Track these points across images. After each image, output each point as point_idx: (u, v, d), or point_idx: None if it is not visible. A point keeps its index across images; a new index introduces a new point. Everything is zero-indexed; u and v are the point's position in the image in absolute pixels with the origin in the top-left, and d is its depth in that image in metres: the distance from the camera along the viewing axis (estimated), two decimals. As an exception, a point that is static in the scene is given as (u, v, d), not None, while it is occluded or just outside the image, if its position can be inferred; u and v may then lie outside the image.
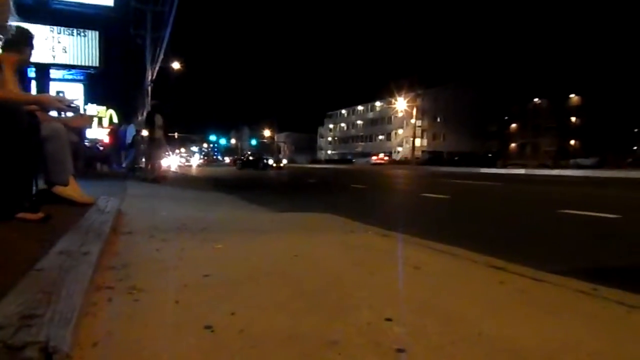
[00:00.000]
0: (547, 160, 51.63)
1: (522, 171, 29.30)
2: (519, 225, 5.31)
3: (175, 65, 25.70)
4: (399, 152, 77.48)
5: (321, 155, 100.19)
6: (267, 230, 3.56)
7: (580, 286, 1.94)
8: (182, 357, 1.16)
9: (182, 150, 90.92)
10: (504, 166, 45.14)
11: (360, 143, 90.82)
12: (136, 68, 24.23)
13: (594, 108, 54.27)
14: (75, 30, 11.88)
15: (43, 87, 11.93)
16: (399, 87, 56.79)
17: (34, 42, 3.33)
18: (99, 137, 22.02)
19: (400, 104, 57.69)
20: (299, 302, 1.66)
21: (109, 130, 20.40)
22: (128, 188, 7.90)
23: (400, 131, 78.99)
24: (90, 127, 14.54)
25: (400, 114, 65.47)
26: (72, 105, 3.20)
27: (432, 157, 61.52)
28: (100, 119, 25.88)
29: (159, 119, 10.87)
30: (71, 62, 12.02)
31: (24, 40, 3.21)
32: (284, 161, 42.19)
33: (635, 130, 50.18)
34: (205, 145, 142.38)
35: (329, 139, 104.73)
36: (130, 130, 17.29)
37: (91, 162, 14.38)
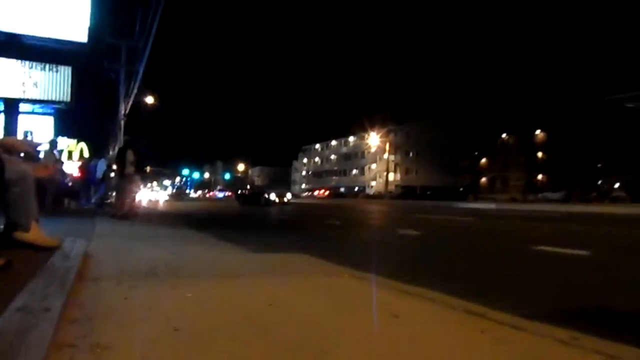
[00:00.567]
0: (516, 194, 52.89)
1: (492, 205, 29.80)
2: (493, 264, 5.33)
3: (149, 99, 25.58)
4: (372, 186, 78.20)
5: (295, 189, 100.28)
6: (241, 274, 3.47)
7: (560, 334, 1.92)
8: None
9: (155, 184, 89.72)
10: (475, 200, 45.97)
11: (334, 177, 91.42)
12: (109, 102, 24.04)
13: (559, 143, 56.11)
14: (47, 65, 11.77)
15: (11, 121, 11.68)
16: (372, 122, 57.92)
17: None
18: (68, 172, 21.54)
19: (373, 139, 58.63)
20: (276, 359, 1.58)
21: (79, 164, 20.00)
22: (97, 226, 7.67)
23: (373, 166, 79.96)
24: (60, 176, 14.16)
25: (373, 149, 66.50)
26: (37, 150, 3.11)
27: (405, 192, 62.39)
28: (70, 153, 25.39)
29: (130, 155, 10.70)
30: (42, 97, 11.84)
31: None
32: (289, 195, 34.49)
33: (599, 165, 51.94)
34: (178, 179, 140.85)
35: (303, 173, 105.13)
36: (101, 165, 16.97)
37: (59, 197, 13.97)
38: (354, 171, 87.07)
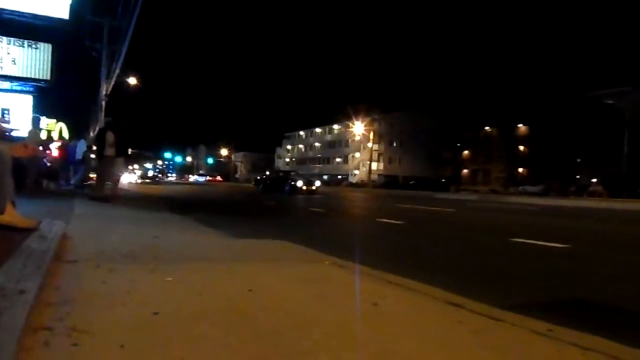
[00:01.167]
0: (497, 187, 53.62)
1: (474, 197, 30.13)
2: (474, 255, 5.40)
3: (132, 80, 25.12)
4: (355, 175, 78.37)
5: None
6: (222, 259, 3.45)
7: (536, 326, 1.95)
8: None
9: (136, 167, 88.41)
10: (457, 191, 46.45)
11: (317, 165, 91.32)
12: (90, 82, 23.53)
13: (540, 138, 56.91)
14: (26, 42, 11.46)
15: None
16: (356, 111, 57.77)
17: None
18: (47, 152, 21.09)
19: (358, 127, 58.58)
20: (255, 345, 1.58)
21: (58, 144, 19.59)
22: (76, 208, 7.54)
23: (357, 154, 80.00)
24: (44, 155, 13.82)
25: (357, 138, 66.43)
26: (8, 134, 3.02)
27: (388, 181, 62.76)
28: (49, 133, 24.86)
29: (110, 136, 10.51)
30: (20, 75, 11.58)
31: None
32: (317, 183, 29.78)
33: (578, 160, 52.80)
34: (160, 162, 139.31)
35: (287, 159, 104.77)
36: (81, 146, 16.65)
37: (37, 178, 13.69)
38: (338, 159, 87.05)
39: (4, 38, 11.19)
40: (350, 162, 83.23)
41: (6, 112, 12.21)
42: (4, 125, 3.72)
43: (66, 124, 26.12)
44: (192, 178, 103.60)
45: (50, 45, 11.77)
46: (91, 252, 3.21)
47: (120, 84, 23.93)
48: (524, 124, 61.72)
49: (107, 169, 10.68)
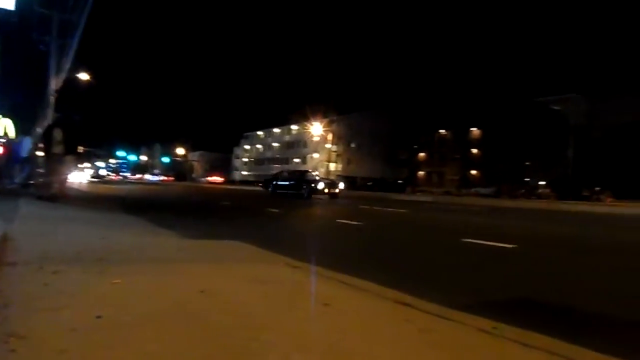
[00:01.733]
0: (451, 188, 55.09)
1: (429, 198, 30.81)
2: (426, 255, 5.52)
3: (84, 76, 24.21)
4: (314, 175, 78.52)
5: (236, 176, 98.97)
6: (173, 260, 3.38)
7: (482, 324, 2.02)
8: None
9: (87, 165, 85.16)
10: (413, 192, 47.39)
11: (275, 165, 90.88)
12: (39, 77, 22.51)
13: (492, 141, 58.89)
14: (-33, 33, 10.85)
15: None
16: (314, 112, 58.00)
17: None
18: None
19: (316, 128, 58.77)
20: (204, 347, 1.56)
21: (2, 141, 18.66)
22: (20, 207, 7.21)
23: (315, 155, 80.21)
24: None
25: (315, 139, 66.65)
26: None
27: (347, 182, 63.18)
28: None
29: (58, 134, 10.11)
30: (-40, 67, 10.91)
31: None
32: (341, 185, 25.95)
33: (527, 163, 54.90)
34: (113, 161, 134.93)
35: (245, 159, 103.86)
36: (27, 143, 15.92)
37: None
38: (296, 160, 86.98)
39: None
40: (308, 162, 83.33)
41: None
42: None
43: (12, 120, 24.94)
44: (146, 177, 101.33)
45: (-6, 37, 11.19)
46: (34, 254, 3.08)
47: (72, 80, 23.04)
48: (477, 128, 63.66)
49: (55, 167, 10.27)
